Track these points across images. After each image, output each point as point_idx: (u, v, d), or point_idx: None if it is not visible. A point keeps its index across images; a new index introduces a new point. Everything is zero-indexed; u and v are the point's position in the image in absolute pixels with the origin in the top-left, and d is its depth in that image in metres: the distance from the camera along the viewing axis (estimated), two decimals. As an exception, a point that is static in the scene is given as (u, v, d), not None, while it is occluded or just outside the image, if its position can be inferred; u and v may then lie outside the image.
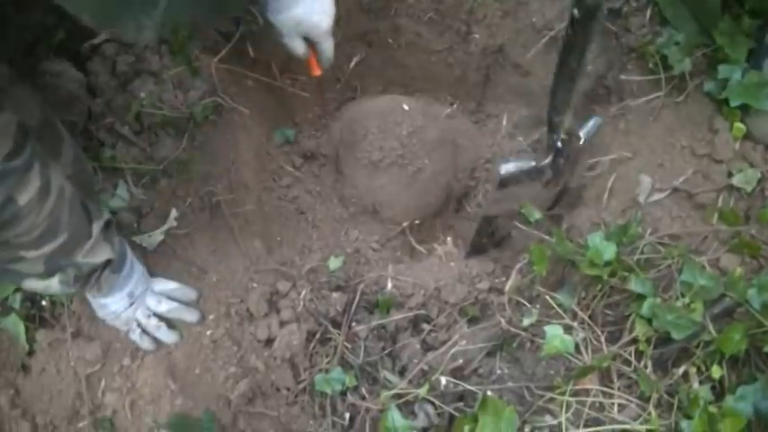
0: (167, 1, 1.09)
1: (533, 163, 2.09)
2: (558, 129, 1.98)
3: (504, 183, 2.09)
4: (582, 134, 2.04)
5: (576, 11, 1.61)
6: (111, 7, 1.07)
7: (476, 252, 2.34)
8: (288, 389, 1.92)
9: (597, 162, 2.24)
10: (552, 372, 1.87)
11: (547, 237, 1.99)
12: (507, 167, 2.08)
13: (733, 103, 2.02)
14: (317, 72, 2.05)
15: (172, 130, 2.17)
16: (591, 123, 2.05)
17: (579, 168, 2.17)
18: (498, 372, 1.91)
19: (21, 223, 1.43)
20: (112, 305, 1.84)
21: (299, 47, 1.94)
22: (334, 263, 2.20)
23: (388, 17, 2.63)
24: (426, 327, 2.03)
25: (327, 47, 1.97)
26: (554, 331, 1.79)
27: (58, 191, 1.50)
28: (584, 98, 2.33)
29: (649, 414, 1.71)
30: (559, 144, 2.01)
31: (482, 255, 2.34)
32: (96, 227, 1.67)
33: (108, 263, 1.73)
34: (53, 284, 1.64)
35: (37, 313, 1.96)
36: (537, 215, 2.05)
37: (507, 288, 2.01)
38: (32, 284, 1.64)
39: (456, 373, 1.91)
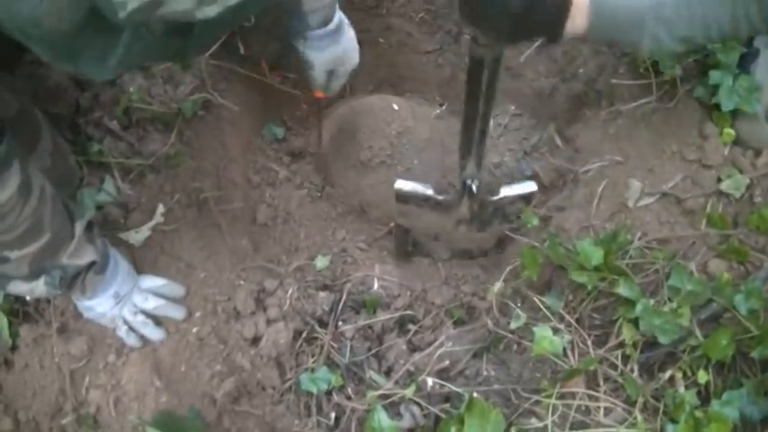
0: (123, 49, 1.09)
1: (430, 192, 2.12)
2: (463, 170, 2.03)
3: (401, 198, 2.15)
4: (502, 191, 2.10)
5: (468, 61, 1.65)
6: (69, 51, 1.08)
7: (402, 257, 2.37)
8: (273, 388, 1.91)
9: (587, 166, 2.23)
10: (539, 374, 1.87)
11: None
12: (401, 185, 2.13)
13: (725, 108, 2.02)
14: (321, 95, 2.16)
15: (160, 126, 2.16)
16: (519, 186, 2.11)
17: (505, 222, 2.21)
18: (485, 373, 1.91)
19: (2, 221, 1.43)
20: (98, 307, 1.83)
21: (323, 79, 2.07)
22: (321, 262, 2.19)
23: (379, 16, 2.63)
24: (413, 327, 2.03)
25: (344, 81, 2.11)
26: (543, 332, 1.79)
27: (39, 190, 1.50)
28: (576, 102, 2.34)
29: (635, 418, 1.71)
30: (473, 187, 2.06)
31: (409, 260, 2.39)
32: (79, 226, 1.67)
33: (92, 264, 1.72)
34: (39, 287, 1.65)
35: (21, 308, 1.93)
36: (535, 221, 2.07)
37: (495, 290, 2.01)
38: (18, 288, 1.65)
39: (442, 374, 1.91)
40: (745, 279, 1.85)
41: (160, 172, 2.09)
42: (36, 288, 1.65)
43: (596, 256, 1.85)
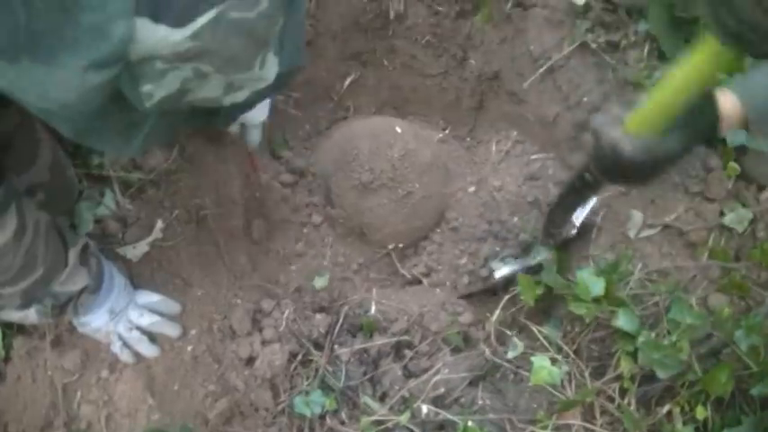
0: (149, 129, 1.08)
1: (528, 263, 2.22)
2: (554, 237, 2.13)
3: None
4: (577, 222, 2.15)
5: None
6: (92, 131, 1.07)
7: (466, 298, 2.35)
8: (266, 409, 1.90)
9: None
10: (535, 405, 1.86)
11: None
12: (501, 271, 2.25)
13: (730, 144, 2.01)
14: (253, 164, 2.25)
15: (162, 141, 2.15)
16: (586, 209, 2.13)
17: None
18: (480, 402, 1.89)
19: None
20: (93, 322, 1.82)
21: (235, 131, 2.07)
22: (319, 282, 2.18)
23: (385, 38, 2.62)
24: (409, 353, 2.02)
25: (257, 134, 2.07)
26: (541, 362, 1.78)
27: (33, 227, 1.49)
28: (579, 129, 2.33)
29: (631, 452, 1.70)
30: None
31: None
32: (73, 254, 1.67)
33: (84, 288, 1.72)
34: (30, 315, 1.66)
35: (15, 320, 1.93)
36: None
37: (493, 319, 2.00)
38: (10, 316, 1.66)
39: (437, 401, 1.90)
40: (746, 314, 1.84)
41: (160, 187, 2.08)
42: (28, 316, 1.65)
43: (597, 286, 1.84)
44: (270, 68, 1.02)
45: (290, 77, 1.13)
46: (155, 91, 0.93)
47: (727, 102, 1.42)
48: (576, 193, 1.80)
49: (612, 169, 1.48)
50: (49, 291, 1.63)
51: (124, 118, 1.04)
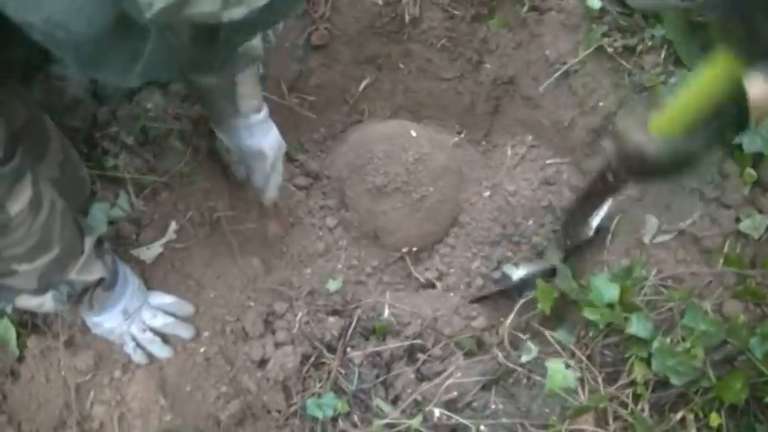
0: (149, 55, 1.09)
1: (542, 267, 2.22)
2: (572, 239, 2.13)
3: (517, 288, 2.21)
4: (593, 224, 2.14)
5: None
6: (94, 56, 1.08)
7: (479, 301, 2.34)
8: (279, 411, 1.90)
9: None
10: (547, 410, 1.85)
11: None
12: (518, 273, 2.23)
13: (747, 150, 2.00)
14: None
15: (176, 143, 2.15)
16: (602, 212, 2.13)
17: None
18: (492, 407, 1.89)
19: (12, 233, 1.43)
20: (106, 323, 1.83)
21: (241, 173, 2.18)
22: (332, 285, 2.17)
23: (400, 42, 2.63)
24: (422, 357, 2.01)
25: (274, 178, 2.18)
26: (556, 366, 1.78)
27: (49, 204, 1.51)
28: (594, 135, 2.32)
29: (644, 459, 1.69)
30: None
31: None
32: (89, 242, 1.67)
33: (100, 281, 1.72)
34: (46, 302, 1.65)
35: (29, 319, 1.93)
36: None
37: (507, 323, 1.99)
38: (26, 302, 1.65)
39: (450, 405, 1.90)
40: (762, 322, 1.83)
41: (174, 189, 2.09)
42: (44, 303, 1.64)
43: (611, 292, 1.83)
44: None
45: (290, 6, 1.13)
46: (154, 0, 0.93)
47: (758, 88, 1.41)
48: (596, 193, 1.80)
49: (638, 170, 1.48)
50: (66, 277, 1.63)
51: (125, 42, 1.05)
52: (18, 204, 1.39)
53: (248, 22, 1.03)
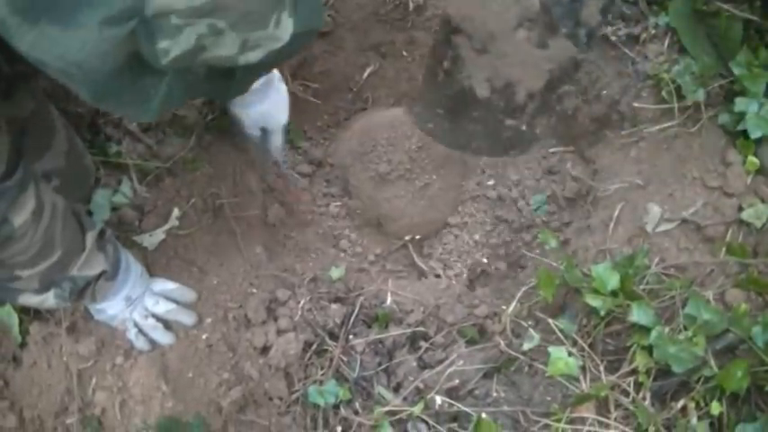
0: (166, 91, 1.08)
1: None
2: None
3: None
4: None
5: None
6: (110, 92, 1.06)
7: (431, 88, 2.10)
8: (280, 398, 1.90)
9: (607, 188, 2.22)
10: (549, 398, 1.85)
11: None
12: None
13: (752, 136, 1.99)
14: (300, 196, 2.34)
15: (180, 129, 2.15)
16: None
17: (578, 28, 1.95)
18: (494, 394, 1.89)
19: (16, 244, 1.44)
20: (109, 309, 1.84)
21: (258, 137, 2.13)
22: (335, 273, 2.17)
23: (404, 29, 2.62)
24: (424, 344, 2.01)
25: (279, 138, 2.16)
26: (558, 353, 1.78)
27: (51, 208, 1.50)
28: (597, 123, 2.32)
29: (646, 447, 1.69)
30: None
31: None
32: (90, 237, 1.67)
33: (102, 273, 1.72)
34: (49, 299, 1.65)
35: (32, 306, 1.94)
36: (553, 242, 2.05)
37: (509, 311, 1.99)
38: (28, 300, 1.65)
39: (451, 393, 1.89)
40: (764, 310, 1.83)
41: (177, 176, 2.09)
42: (46, 300, 1.65)
43: (612, 280, 1.83)
44: (285, 28, 1.02)
45: (306, 39, 1.13)
46: (171, 47, 0.93)
47: None
48: None
49: None
50: (67, 275, 1.63)
51: (141, 80, 1.05)
52: (22, 216, 1.40)
53: (263, 62, 1.04)
